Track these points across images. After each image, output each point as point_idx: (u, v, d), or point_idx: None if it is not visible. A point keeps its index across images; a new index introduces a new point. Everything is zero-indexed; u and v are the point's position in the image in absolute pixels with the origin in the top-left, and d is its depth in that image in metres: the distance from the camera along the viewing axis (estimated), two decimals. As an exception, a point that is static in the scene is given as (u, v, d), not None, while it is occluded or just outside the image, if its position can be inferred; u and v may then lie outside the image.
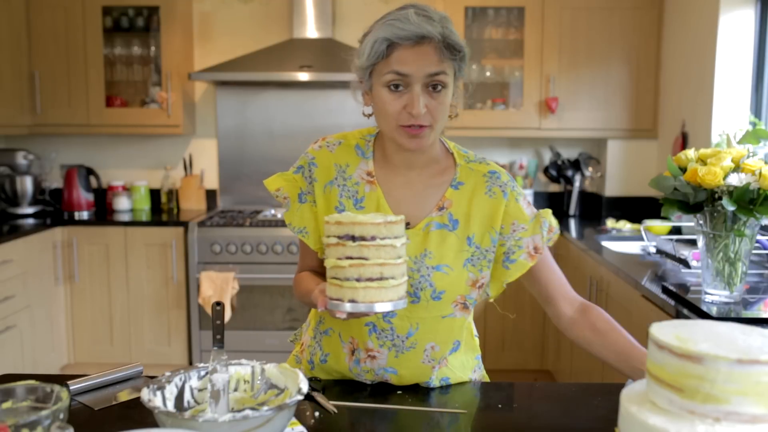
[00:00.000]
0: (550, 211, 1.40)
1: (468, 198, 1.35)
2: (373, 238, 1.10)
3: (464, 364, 1.44)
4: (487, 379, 1.52)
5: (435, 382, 1.40)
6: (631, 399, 0.84)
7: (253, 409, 1.13)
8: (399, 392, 1.36)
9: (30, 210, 4.06)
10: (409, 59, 1.21)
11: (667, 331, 0.81)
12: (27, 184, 4.03)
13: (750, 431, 0.75)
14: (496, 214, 1.35)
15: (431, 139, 1.28)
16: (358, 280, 1.11)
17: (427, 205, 1.36)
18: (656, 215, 3.64)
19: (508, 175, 1.39)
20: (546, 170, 4.21)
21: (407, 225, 1.34)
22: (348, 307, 1.11)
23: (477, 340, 1.51)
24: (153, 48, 4.13)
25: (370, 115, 1.34)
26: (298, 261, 1.49)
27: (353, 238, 1.11)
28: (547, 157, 4.33)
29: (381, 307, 1.12)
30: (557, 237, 1.40)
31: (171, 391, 1.11)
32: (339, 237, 1.12)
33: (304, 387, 1.06)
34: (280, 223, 3.75)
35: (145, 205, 4.26)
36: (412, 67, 1.21)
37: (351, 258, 1.11)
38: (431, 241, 1.33)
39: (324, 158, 1.38)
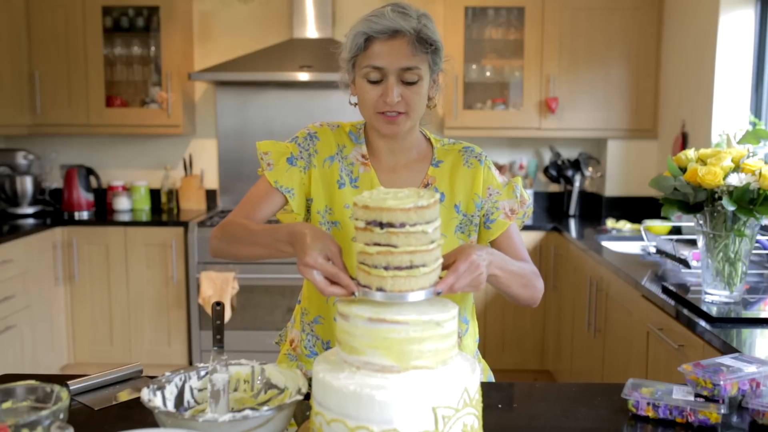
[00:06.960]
0: (519, 178, 1.53)
1: (449, 172, 1.47)
2: (402, 225, 1.01)
3: (469, 347, 1.49)
4: (487, 370, 1.56)
5: None
6: (328, 359, 1.01)
7: (253, 409, 1.13)
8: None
9: (30, 210, 4.06)
10: (384, 53, 1.31)
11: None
12: (27, 184, 4.03)
13: (381, 379, 0.90)
14: (477, 181, 1.46)
15: (407, 126, 1.38)
16: (386, 268, 1.02)
17: (413, 184, 1.46)
18: (656, 215, 3.64)
19: (480, 149, 1.52)
20: (546, 170, 4.21)
21: None
22: (378, 296, 1.03)
23: (477, 323, 1.57)
24: (153, 48, 4.12)
25: (356, 104, 1.43)
26: (238, 209, 1.44)
27: (381, 225, 1.01)
28: (547, 157, 4.33)
29: (414, 297, 1.03)
30: (531, 211, 1.51)
31: (171, 391, 1.11)
32: (367, 222, 1.04)
33: (304, 387, 1.06)
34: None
35: (145, 205, 4.26)
36: (386, 60, 1.31)
37: (379, 245, 1.02)
38: None
39: (326, 135, 1.48)
